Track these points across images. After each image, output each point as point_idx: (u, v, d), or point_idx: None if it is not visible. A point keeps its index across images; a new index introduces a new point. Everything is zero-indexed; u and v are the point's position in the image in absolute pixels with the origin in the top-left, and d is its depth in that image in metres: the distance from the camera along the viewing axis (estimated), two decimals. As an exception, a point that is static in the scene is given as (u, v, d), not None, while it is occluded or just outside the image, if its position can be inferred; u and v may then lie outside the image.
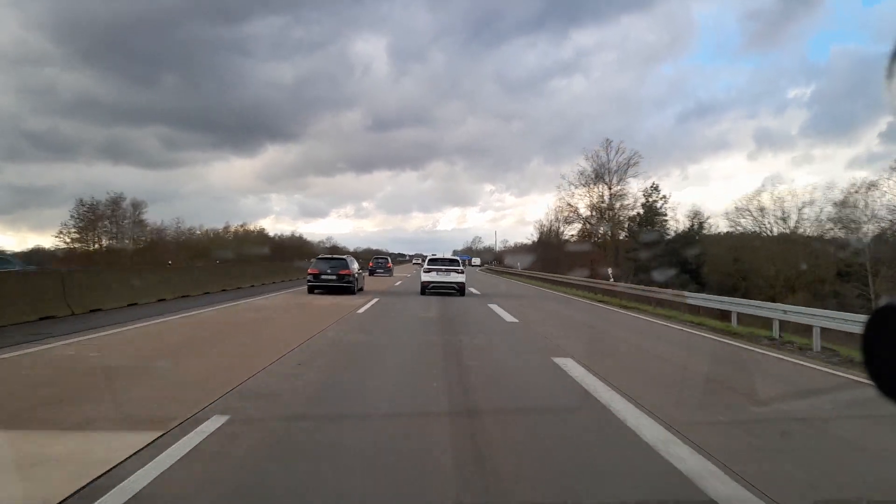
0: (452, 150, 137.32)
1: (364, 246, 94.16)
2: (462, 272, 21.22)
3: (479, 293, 22.26)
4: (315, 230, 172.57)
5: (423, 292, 20.52)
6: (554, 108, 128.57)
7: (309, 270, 20.07)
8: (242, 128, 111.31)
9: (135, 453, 3.52)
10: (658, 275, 29.43)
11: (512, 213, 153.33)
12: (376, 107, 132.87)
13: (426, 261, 23.00)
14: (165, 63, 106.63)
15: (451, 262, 21.86)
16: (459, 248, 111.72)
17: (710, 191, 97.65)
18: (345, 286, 19.43)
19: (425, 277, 20.83)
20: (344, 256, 22.12)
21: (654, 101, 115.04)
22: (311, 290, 19.43)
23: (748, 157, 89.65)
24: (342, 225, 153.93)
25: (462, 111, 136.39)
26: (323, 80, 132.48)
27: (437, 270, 20.91)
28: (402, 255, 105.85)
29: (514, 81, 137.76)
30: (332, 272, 19.60)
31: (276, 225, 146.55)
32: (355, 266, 21.15)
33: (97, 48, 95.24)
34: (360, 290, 21.08)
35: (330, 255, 22.86)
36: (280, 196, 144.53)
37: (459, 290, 20.62)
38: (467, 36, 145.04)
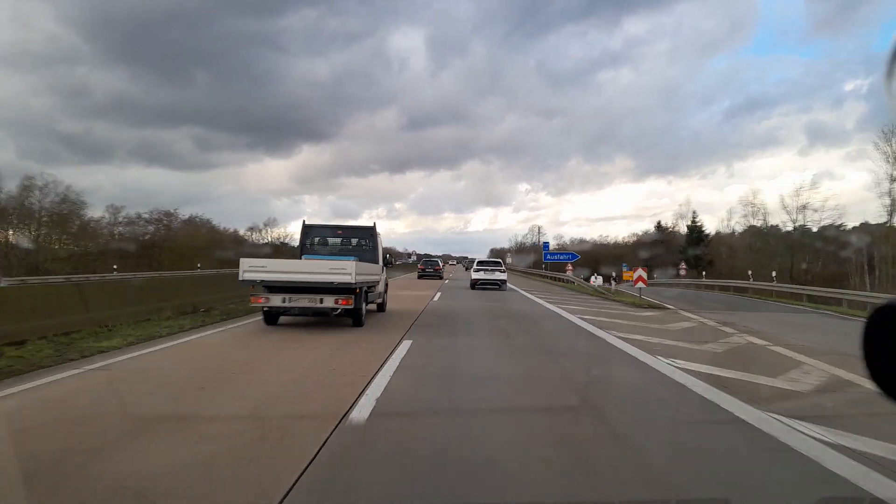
0: (488, 148, 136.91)
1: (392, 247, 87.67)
2: (504, 271, 27.22)
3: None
4: None
5: (472, 287, 25.69)
6: (598, 104, 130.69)
7: (419, 266, 40.35)
8: (277, 128, 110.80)
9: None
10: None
11: (546, 214, 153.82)
12: (412, 104, 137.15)
13: (475, 262, 29.46)
14: (199, 61, 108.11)
15: (495, 263, 28.41)
16: (499, 246, 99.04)
17: (759, 187, 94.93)
18: (437, 275, 38.19)
19: (474, 276, 26.44)
20: (437, 259, 46.26)
21: (704, 95, 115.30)
22: (420, 277, 37.02)
23: (799, 153, 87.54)
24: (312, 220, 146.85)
25: (501, 108, 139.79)
26: (359, 76, 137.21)
27: (484, 270, 26.50)
28: (446, 257, 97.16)
29: (558, 75, 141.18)
30: (430, 268, 39.29)
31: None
32: (441, 264, 43.58)
33: (128, 46, 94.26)
34: (442, 276, 38.68)
35: (429, 259, 44.58)
36: (313, 197, 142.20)
37: (501, 285, 25.79)
38: (511, 26, 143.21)
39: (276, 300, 9.99)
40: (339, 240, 13.11)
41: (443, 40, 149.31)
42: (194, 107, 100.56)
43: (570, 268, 36.93)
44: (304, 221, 12.97)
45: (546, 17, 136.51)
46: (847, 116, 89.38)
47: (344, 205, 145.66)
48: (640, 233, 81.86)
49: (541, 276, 50.70)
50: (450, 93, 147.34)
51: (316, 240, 12.97)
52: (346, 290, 9.99)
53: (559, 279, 38.49)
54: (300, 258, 12.21)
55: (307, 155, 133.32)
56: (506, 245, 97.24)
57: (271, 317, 10.67)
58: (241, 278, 9.81)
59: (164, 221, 52.09)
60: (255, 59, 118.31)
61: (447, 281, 31.46)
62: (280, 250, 53.30)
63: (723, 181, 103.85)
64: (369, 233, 13.08)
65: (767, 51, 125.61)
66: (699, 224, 76.51)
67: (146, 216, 51.35)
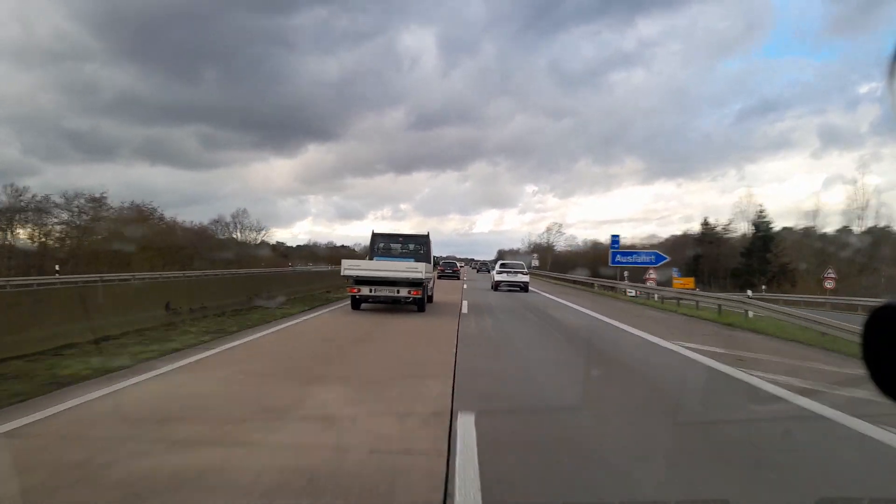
0: (496, 149, 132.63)
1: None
2: (527, 274, 26.59)
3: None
4: (351, 232, 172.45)
5: (494, 289, 25.43)
6: (608, 105, 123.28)
7: (439, 268, 32.18)
8: (283, 127, 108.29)
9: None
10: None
11: (552, 216, 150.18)
12: (421, 104, 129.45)
13: (498, 264, 29.60)
14: (207, 58, 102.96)
15: (518, 265, 27.25)
16: (507, 248, 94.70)
17: (767, 191, 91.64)
18: (456, 276, 38.06)
19: (497, 277, 26.08)
20: (455, 261, 44.31)
21: (716, 97, 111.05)
22: (440, 277, 30.16)
23: (811, 156, 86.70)
24: (379, 227, 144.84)
25: (510, 108, 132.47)
26: (367, 75, 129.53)
27: (507, 272, 26.02)
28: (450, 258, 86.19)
29: (569, 75, 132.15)
30: (449, 269, 38.10)
31: (313, 227, 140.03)
32: (458, 265, 43.66)
33: (136, 43, 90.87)
34: (459, 277, 38.12)
35: (448, 261, 41.48)
36: (318, 198, 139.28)
37: (523, 287, 25.23)
38: (522, 24, 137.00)
39: (366, 290, 13.30)
40: (399, 245, 15.75)
41: (453, 39, 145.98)
42: (201, 105, 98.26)
43: (654, 274, 23.83)
44: (372, 231, 15.68)
45: (558, 16, 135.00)
46: (861, 119, 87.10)
47: (349, 205, 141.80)
48: (680, 232, 69.41)
49: (553, 278, 44.17)
50: (459, 92, 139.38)
51: (381, 245, 15.57)
52: (417, 283, 13.16)
53: (574, 282, 32.60)
54: (371, 259, 14.97)
55: (313, 154, 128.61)
56: (516, 246, 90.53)
57: (357, 303, 13.91)
58: (342, 273, 13.45)
59: (86, 209, 39.46)
60: (263, 58, 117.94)
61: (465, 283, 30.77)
62: (275, 250, 55.36)
63: (733, 184, 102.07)
64: (424, 240, 15.84)
65: (782, 52, 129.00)
66: (766, 220, 62.69)
67: (58, 201, 38.64)
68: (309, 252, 76.48)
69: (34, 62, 78.49)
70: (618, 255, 24.56)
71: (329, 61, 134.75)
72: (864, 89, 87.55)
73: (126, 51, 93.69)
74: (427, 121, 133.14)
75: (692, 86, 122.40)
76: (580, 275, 37.47)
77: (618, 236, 26.01)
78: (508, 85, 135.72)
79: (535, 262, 52.22)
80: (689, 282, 27.16)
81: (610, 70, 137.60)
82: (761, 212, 60.39)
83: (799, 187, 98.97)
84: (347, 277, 13.42)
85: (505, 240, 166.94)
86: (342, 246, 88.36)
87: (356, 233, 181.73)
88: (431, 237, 16.00)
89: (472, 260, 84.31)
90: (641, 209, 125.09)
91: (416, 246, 15.47)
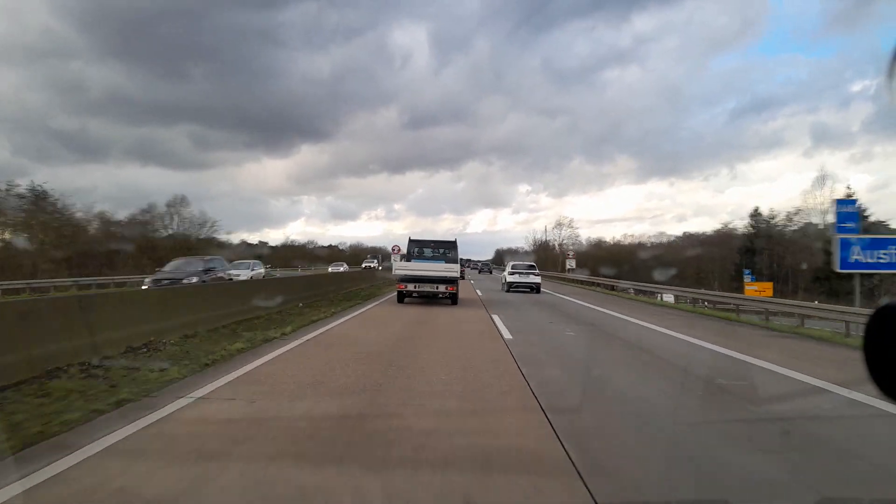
0: (490, 149, 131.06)
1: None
2: (538, 274, 27.20)
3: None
4: (344, 233, 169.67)
5: (507, 290, 26.18)
6: (602, 103, 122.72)
7: None
8: (275, 127, 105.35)
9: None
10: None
11: (545, 216, 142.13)
12: (413, 103, 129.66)
13: (509, 265, 29.30)
14: (196, 56, 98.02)
15: (530, 266, 27.90)
16: (504, 247, 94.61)
17: (760, 189, 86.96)
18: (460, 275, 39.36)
19: (509, 279, 26.84)
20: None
21: (710, 96, 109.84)
22: None
23: (803, 155, 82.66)
24: (372, 227, 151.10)
25: (504, 107, 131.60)
26: (359, 73, 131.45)
27: (519, 273, 26.83)
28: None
29: (563, 73, 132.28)
30: None
31: (306, 228, 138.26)
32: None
33: (124, 40, 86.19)
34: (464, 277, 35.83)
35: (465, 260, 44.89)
36: (311, 198, 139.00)
37: (535, 288, 26.11)
38: (516, 21, 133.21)
39: (411, 286, 16.73)
40: (431, 249, 18.88)
41: (446, 36, 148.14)
42: (191, 104, 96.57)
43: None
44: (410, 238, 19.00)
45: (553, 12, 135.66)
46: (853, 117, 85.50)
47: (342, 205, 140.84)
48: (721, 226, 57.46)
49: (581, 282, 35.88)
50: (452, 91, 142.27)
51: (416, 249, 18.74)
52: (453, 281, 16.52)
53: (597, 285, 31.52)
54: (409, 261, 18.00)
55: (306, 155, 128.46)
56: (514, 244, 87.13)
57: (402, 297, 17.24)
58: (393, 273, 17.90)
59: None
60: (253, 55, 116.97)
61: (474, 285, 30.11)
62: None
63: (725, 183, 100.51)
64: (453, 245, 18.98)
65: (777, 49, 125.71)
66: (856, 201, 49.56)
67: None
68: (295, 253, 67.09)
69: (20, 60, 75.28)
70: (855, 249, 11.26)
71: (320, 59, 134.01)
72: (857, 87, 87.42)
73: (113, 49, 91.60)
74: (420, 120, 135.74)
75: (686, 84, 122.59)
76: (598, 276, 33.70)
77: (854, 201, 12.90)
78: (502, 83, 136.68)
79: (572, 265, 39.33)
80: (766, 288, 24.42)
81: (604, 67, 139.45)
82: (850, 195, 47.36)
83: (790, 186, 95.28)
84: (396, 276, 17.08)
85: (499, 239, 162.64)
86: (329, 246, 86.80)
87: (350, 233, 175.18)
88: (420, 237, 19.27)
89: (470, 260, 75.27)
90: (634, 208, 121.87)
91: (445, 250, 18.89)
